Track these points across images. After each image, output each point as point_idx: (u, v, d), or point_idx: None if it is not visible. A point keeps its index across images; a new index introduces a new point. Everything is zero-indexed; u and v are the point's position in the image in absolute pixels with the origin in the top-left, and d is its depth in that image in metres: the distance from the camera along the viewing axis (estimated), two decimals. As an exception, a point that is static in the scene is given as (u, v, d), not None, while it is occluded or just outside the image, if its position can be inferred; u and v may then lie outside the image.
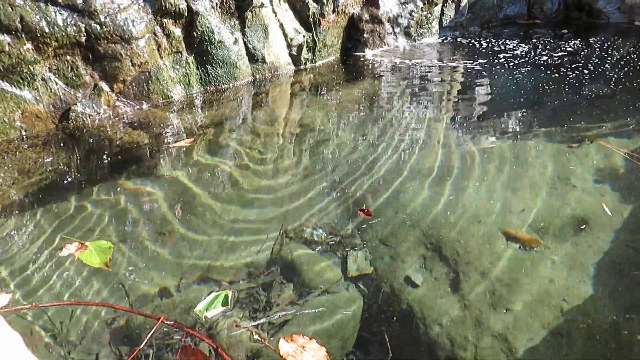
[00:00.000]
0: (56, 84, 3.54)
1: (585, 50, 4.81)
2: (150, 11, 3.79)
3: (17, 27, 3.24)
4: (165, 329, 1.86)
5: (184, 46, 4.06)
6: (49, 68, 3.50)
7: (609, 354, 1.65)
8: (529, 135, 3.14)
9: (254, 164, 3.05)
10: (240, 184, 2.83)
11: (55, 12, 3.38)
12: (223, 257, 2.25)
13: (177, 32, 3.99)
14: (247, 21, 4.30)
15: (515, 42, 5.26)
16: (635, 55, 4.55)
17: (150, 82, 3.90)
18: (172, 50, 4.01)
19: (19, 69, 3.34)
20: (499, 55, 4.86)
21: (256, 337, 1.78)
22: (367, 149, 3.12)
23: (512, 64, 4.59)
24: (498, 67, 4.54)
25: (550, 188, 2.52)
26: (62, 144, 3.38)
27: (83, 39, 3.50)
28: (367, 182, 2.75)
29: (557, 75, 4.20)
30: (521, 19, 6.05)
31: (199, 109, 3.93)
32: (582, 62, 4.47)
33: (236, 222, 2.49)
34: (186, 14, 3.95)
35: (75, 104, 3.61)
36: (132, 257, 2.27)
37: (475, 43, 5.34)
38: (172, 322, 1.83)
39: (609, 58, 4.54)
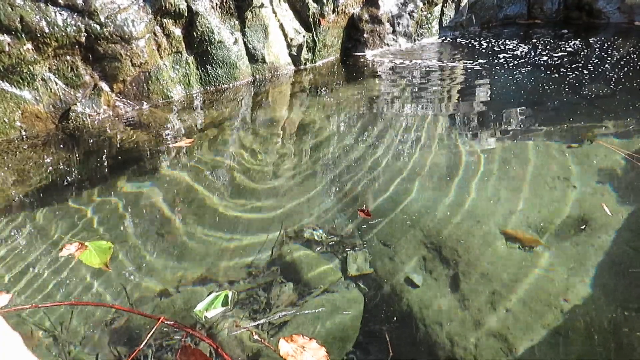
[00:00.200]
0: (56, 84, 3.54)
1: (585, 51, 4.81)
2: (150, 11, 3.79)
3: (17, 27, 3.25)
4: (165, 329, 1.86)
5: (184, 46, 4.06)
6: (49, 68, 3.50)
7: (609, 353, 1.65)
8: (528, 135, 3.14)
9: (254, 164, 3.05)
10: (240, 184, 2.83)
11: (55, 12, 3.38)
12: (223, 257, 2.25)
13: (177, 32, 3.99)
14: (247, 21, 4.30)
15: (515, 42, 5.26)
16: (635, 55, 4.55)
17: (150, 82, 3.90)
18: (172, 51, 4.01)
19: (19, 69, 3.34)
20: (498, 56, 4.86)
21: (256, 337, 1.78)
22: (367, 149, 3.12)
23: (512, 64, 4.59)
24: (498, 67, 4.54)
25: (550, 188, 2.52)
26: (62, 144, 3.38)
27: (83, 39, 3.50)
28: (367, 182, 2.75)
29: (557, 75, 4.20)
30: (521, 19, 6.05)
31: (199, 109, 3.93)
32: (582, 62, 4.47)
33: (236, 222, 2.49)
34: (186, 14, 3.95)
35: (75, 104, 3.62)
36: (132, 257, 2.27)
37: (475, 43, 5.34)
38: (172, 322, 1.83)
39: (609, 58, 4.54)
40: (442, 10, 5.55)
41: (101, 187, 2.85)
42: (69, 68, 3.56)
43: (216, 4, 4.13)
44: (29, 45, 3.33)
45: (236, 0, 4.21)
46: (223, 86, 4.30)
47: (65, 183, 2.93)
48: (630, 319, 1.75)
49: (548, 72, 4.28)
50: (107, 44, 3.59)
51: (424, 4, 5.33)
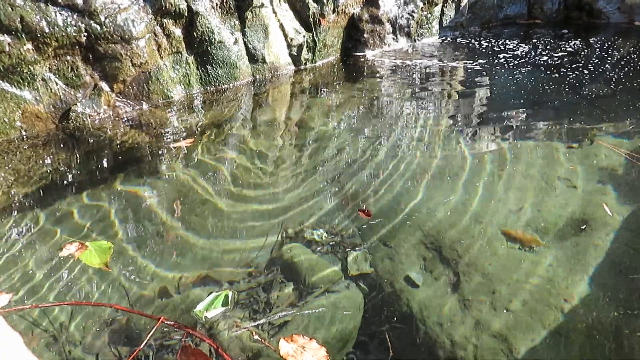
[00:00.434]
0: (56, 84, 3.54)
1: (586, 51, 4.81)
2: (151, 11, 3.79)
3: (17, 27, 3.25)
4: (165, 329, 1.86)
5: (184, 46, 4.06)
6: (49, 68, 3.50)
7: (609, 353, 1.65)
8: (529, 135, 3.14)
9: (254, 164, 3.05)
10: (241, 184, 2.83)
11: (55, 13, 3.38)
12: (223, 257, 2.25)
13: (177, 32, 3.99)
14: (247, 21, 4.30)
15: (516, 42, 5.26)
16: (635, 55, 4.55)
17: (150, 82, 3.90)
18: (172, 51, 4.01)
19: (19, 69, 3.34)
20: (499, 56, 4.86)
21: (256, 337, 1.78)
22: (367, 149, 3.13)
23: (512, 64, 4.59)
24: (498, 67, 4.54)
25: (551, 188, 2.52)
26: (62, 144, 3.38)
27: (83, 39, 3.50)
28: (367, 182, 2.75)
29: (557, 75, 4.20)
30: (521, 19, 6.05)
31: (199, 109, 3.93)
32: (582, 62, 4.47)
33: (236, 222, 2.49)
34: (186, 14, 3.95)
35: (76, 104, 3.62)
36: (132, 257, 2.27)
37: (476, 43, 5.34)
38: (173, 322, 1.83)
39: (609, 58, 4.53)
40: (442, 10, 5.55)
41: (101, 187, 2.85)
42: (69, 68, 3.56)
43: (216, 4, 4.13)
44: (29, 45, 3.33)
45: (236, 0, 4.21)
46: (223, 86, 4.30)
47: (66, 183, 2.93)
48: (631, 319, 1.75)
49: (548, 72, 4.28)
50: (107, 44, 3.59)
51: (424, 4, 5.33)
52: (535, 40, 5.27)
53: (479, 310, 1.85)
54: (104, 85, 3.73)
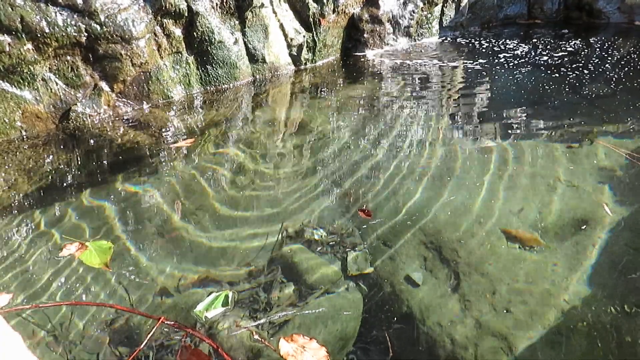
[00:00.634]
0: (56, 84, 3.55)
1: (586, 50, 4.81)
2: (151, 11, 3.79)
3: (17, 27, 3.25)
4: (165, 329, 1.86)
5: (184, 46, 4.06)
6: (49, 68, 3.50)
7: (609, 353, 1.65)
8: (529, 135, 3.14)
9: (254, 164, 3.05)
10: (241, 184, 2.84)
11: (55, 13, 3.38)
12: (223, 257, 2.25)
13: (177, 32, 3.99)
14: (247, 21, 4.30)
15: (516, 42, 5.26)
16: (635, 55, 4.55)
17: (150, 82, 3.90)
18: (172, 51, 4.01)
19: (19, 69, 3.34)
20: (499, 55, 4.86)
21: (256, 337, 1.78)
22: (368, 149, 3.13)
23: (512, 64, 4.59)
24: (498, 67, 4.54)
25: (551, 188, 2.52)
26: (62, 144, 3.38)
27: (83, 39, 3.50)
28: (367, 182, 2.75)
29: (557, 75, 4.20)
30: (521, 19, 6.05)
31: (199, 109, 3.93)
32: (583, 62, 4.47)
33: (236, 222, 2.49)
34: (186, 14, 3.96)
35: (76, 104, 3.62)
36: (132, 257, 2.27)
37: (476, 43, 5.34)
38: (173, 322, 1.83)
39: (609, 58, 4.53)
40: (442, 10, 5.55)
41: (101, 187, 2.85)
42: (69, 68, 3.56)
43: (216, 4, 4.13)
44: (29, 46, 3.33)
45: (236, 0, 4.21)
46: (223, 86, 4.30)
47: (66, 183, 2.93)
48: (631, 319, 1.75)
49: (548, 72, 4.28)
50: (107, 44, 3.59)
51: (424, 4, 5.32)
52: (535, 40, 5.27)
53: (479, 310, 1.85)
54: (104, 85, 3.73)
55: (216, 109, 3.92)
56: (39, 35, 3.32)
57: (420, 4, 5.30)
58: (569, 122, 3.27)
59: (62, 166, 3.11)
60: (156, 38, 3.90)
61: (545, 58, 4.66)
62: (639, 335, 1.68)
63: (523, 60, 4.67)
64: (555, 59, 4.62)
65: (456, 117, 3.57)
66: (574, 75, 4.15)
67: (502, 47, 5.13)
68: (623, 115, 3.29)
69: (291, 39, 4.65)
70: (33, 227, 2.51)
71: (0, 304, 1.90)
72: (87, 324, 1.93)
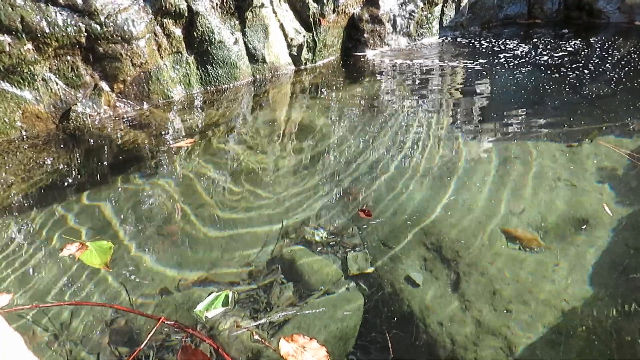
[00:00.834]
0: (56, 84, 3.55)
1: (586, 50, 4.81)
2: (151, 11, 3.79)
3: (17, 27, 3.25)
4: (165, 329, 1.86)
5: (184, 46, 4.06)
6: (50, 68, 3.50)
7: (609, 353, 1.65)
8: (529, 135, 3.14)
9: (255, 164, 3.05)
10: (241, 184, 2.84)
11: (55, 13, 3.38)
12: (223, 257, 2.25)
13: (178, 32, 3.99)
14: (247, 21, 4.30)
15: (516, 42, 5.26)
16: (635, 55, 4.54)
17: (150, 82, 3.90)
18: (172, 51, 4.01)
19: (19, 69, 3.34)
20: (499, 55, 4.86)
21: (256, 337, 1.78)
22: (368, 149, 3.13)
23: (512, 64, 4.59)
24: (498, 67, 4.54)
25: (551, 188, 2.52)
26: (62, 144, 3.39)
27: (83, 39, 3.50)
28: (367, 182, 2.75)
29: (557, 75, 4.20)
30: (521, 19, 6.05)
31: (200, 109, 3.93)
32: (583, 62, 4.47)
33: (236, 222, 2.49)
34: (186, 14, 3.96)
35: (76, 104, 3.62)
36: (132, 258, 2.27)
37: (476, 43, 5.34)
38: (173, 323, 1.83)
39: (610, 58, 4.53)
40: (442, 10, 5.55)
41: (102, 187, 2.85)
42: (70, 68, 3.56)
43: (216, 4, 4.13)
44: (29, 46, 3.33)
45: (236, 0, 4.21)
46: (223, 86, 4.30)
47: (66, 183, 2.93)
48: (631, 319, 1.75)
49: (548, 72, 4.28)
50: (107, 44, 3.59)
51: (425, 3, 5.32)
52: (536, 40, 5.27)
53: (480, 310, 1.85)
54: (104, 85, 3.73)
55: (216, 109, 3.92)
56: (39, 35, 3.32)
57: (420, 4, 5.30)
58: (569, 122, 3.27)
59: (62, 166, 3.11)
60: (156, 38, 3.90)
61: (545, 58, 4.66)
62: (639, 336, 1.68)
63: (523, 60, 4.67)
64: (556, 58, 4.62)
65: (456, 117, 3.57)
66: (574, 75, 4.15)
67: (502, 47, 5.13)
68: (623, 115, 3.29)
69: (291, 39, 4.65)
70: (33, 227, 2.51)
71: (0, 304, 1.90)
72: (87, 324, 1.93)
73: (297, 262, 2.15)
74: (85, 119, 3.61)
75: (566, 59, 4.60)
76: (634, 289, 1.87)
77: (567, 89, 3.87)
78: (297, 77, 4.64)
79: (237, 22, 4.27)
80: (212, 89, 4.26)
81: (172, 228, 2.47)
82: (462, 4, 5.62)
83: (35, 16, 3.29)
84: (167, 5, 3.82)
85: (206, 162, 3.09)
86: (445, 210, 2.42)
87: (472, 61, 4.74)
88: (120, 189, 2.83)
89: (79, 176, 3.01)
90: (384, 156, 3.02)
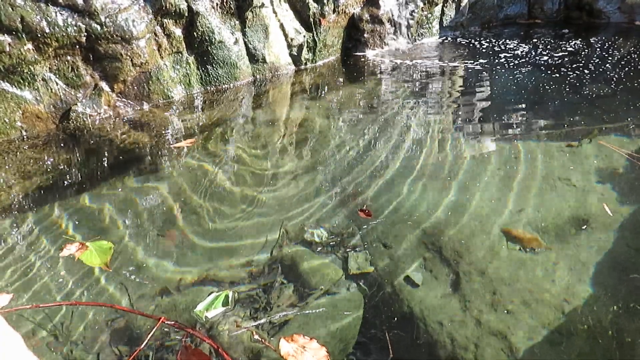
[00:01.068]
0: (57, 84, 3.55)
1: (586, 50, 4.81)
2: (151, 11, 3.79)
3: (17, 27, 3.25)
4: (165, 329, 1.86)
5: (184, 46, 4.06)
6: (50, 68, 3.50)
7: (609, 353, 1.65)
8: (529, 135, 3.14)
9: (255, 164, 3.05)
10: (241, 184, 2.84)
11: (55, 13, 3.38)
12: (224, 258, 2.25)
13: (178, 32, 3.99)
14: (247, 21, 4.30)
15: (516, 42, 5.26)
16: (635, 55, 4.54)
17: (150, 82, 3.90)
18: (172, 51, 4.01)
19: (19, 69, 3.34)
20: (499, 55, 4.85)
21: (257, 337, 1.78)
22: (368, 149, 3.13)
23: (512, 63, 4.58)
24: (498, 67, 4.53)
25: (551, 188, 2.52)
26: (62, 144, 3.38)
27: (83, 39, 3.50)
28: (367, 182, 2.75)
29: (557, 75, 4.19)
30: (521, 19, 6.05)
31: (200, 109, 3.93)
32: (583, 62, 4.47)
33: (237, 222, 2.49)
34: (187, 14, 3.95)
35: (76, 104, 3.62)
36: (132, 258, 2.27)
37: (476, 43, 5.34)
38: (173, 323, 1.83)
39: (610, 58, 4.53)
40: (442, 10, 5.55)
41: (102, 187, 2.85)
42: (70, 68, 3.56)
43: (217, 4, 4.13)
44: (29, 46, 3.33)
45: (237, 0, 4.21)
46: (223, 86, 4.30)
47: (66, 183, 2.93)
48: (631, 319, 1.75)
49: (549, 72, 4.28)
50: (107, 44, 3.59)
51: (425, 3, 5.32)
52: (536, 40, 5.27)
53: (480, 310, 1.85)
54: (104, 85, 3.73)
55: (216, 109, 3.92)
56: (39, 35, 3.32)
57: (421, 4, 5.30)
58: (569, 122, 3.26)
59: (63, 166, 3.11)
60: (156, 38, 3.90)
61: (545, 58, 4.66)
62: (639, 336, 1.68)
63: (523, 60, 4.67)
64: (556, 58, 4.62)
65: (456, 117, 3.57)
66: (574, 75, 4.15)
67: (503, 47, 5.13)
68: (623, 115, 3.29)
69: (291, 39, 4.65)
70: (33, 227, 2.51)
71: (0, 304, 1.90)
72: (87, 324, 1.93)
73: (298, 262, 2.15)
74: (85, 119, 3.61)
75: (566, 59, 4.60)
76: (634, 289, 1.87)
77: (567, 89, 3.87)
78: (297, 77, 4.64)
79: (237, 22, 4.27)
80: (212, 89, 4.26)
81: (172, 228, 2.46)
82: (462, 4, 5.62)
83: (35, 16, 3.29)
84: (167, 5, 3.82)
85: (206, 162, 3.09)
86: (446, 210, 2.42)
87: (472, 61, 4.74)
88: (120, 189, 2.83)
89: (79, 176, 3.01)
90: (384, 156, 3.01)
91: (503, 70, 4.42)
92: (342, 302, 1.94)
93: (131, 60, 3.71)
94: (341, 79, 4.56)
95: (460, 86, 4.21)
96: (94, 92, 3.69)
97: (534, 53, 4.84)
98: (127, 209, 2.63)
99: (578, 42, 5.09)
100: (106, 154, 3.26)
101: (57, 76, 3.55)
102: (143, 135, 3.47)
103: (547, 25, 5.85)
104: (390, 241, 2.26)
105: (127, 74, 3.75)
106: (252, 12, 4.29)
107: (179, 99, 4.07)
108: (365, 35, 5.14)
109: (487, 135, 3.19)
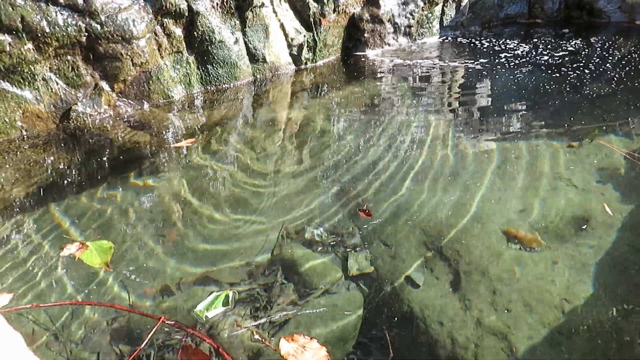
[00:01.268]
0: (57, 83, 3.55)
1: (586, 50, 4.81)
2: (151, 11, 3.79)
3: (17, 27, 3.25)
4: (166, 329, 1.86)
5: (184, 46, 4.06)
6: (50, 68, 3.50)
7: (609, 353, 1.65)
8: (529, 135, 3.14)
9: (255, 164, 3.05)
10: (241, 184, 2.84)
11: (56, 12, 3.38)
12: (224, 257, 2.25)
13: (178, 31, 3.99)
14: (247, 21, 4.30)
15: (516, 41, 5.26)
16: (636, 55, 4.54)
17: (151, 81, 3.90)
18: (172, 50, 4.01)
19: (19, 68, 3.34)
20: (499, 55, 4.85)
21: (257, 336, 1.78)
22: (368, 148, 3.12)
23: (513, 63, 4.58)
24: (499, 66, 4.53)
25: (551, 188, 2.52)
26: (62, 144, 3.39)
27: (84, 39, 3.50)
28: (367, 182, 2.75)
29: (558, 74, 4.19)
30: (522, 19, 6.05)
31: (200, 109, 3.93)
32: (583, 61, 4.46)
33: (237, 222, 2.49)
34: (187, 14, 3.95)
35: (76, 104, 3.62)
36: (133, 257, 2.27)
37: (476, 42, 5.34)
38: (173, 322, 1.83)
39: (610, 57, 4.53)
40: (442, 10, 5.55)
41: (102, 187, 2.85)
42: (70, 68, 3.56)
43: (217, 4, 4.13)
44: (29, 45, 3.33)
45: (237, 0, 4.21)
46: (224, 86, 4.30)
47: (66, 183, 2.93)
48: (632, 318, 1.75)
49: (549, 72, 4.28)
50: (107, 43, 3.59)
51: (425, 3, 5.32)
52: (536, 40, 5.26)
53: (480, 310, 1.85)
54: (104, 85, 3.73)
55: (217, 108, 3.92)
56: (39, 34, 3.32)
57: (421, 4, 5.30)
58: (569, 122, 3.26)
59: (63, 166, 3.11)
60: (157, 38, 3.90)
61: (545, 57, 4.66)
62: (639, 336, 1.68)
63: (524, 59, 4.67)
64: (556, 58, 4.62)
65: (457, 117, 3.57)
66: (575, 74, 4.15)
67: (503, 46, 5.13)
68: (623, 115, 3.29)
69: (292, 39, 4.65)
70: (33, 227, 2.51)
71: (0, 304, 1.91)
72: (87, 324, 1.93)
73: (298, 262, 2.15)
74: (85, 119, 3.61)
75: (567, 58, 4.59)
76: (634, 289, 1.87)
77: (568, 89, 3.87)
78: (297, 76, 4.64)
79: (237, 21, 4.27)
80: (212, 88, 4.26)
81: (172, 228, 2.47)
82: (463, 4, 5.61)
83: (35, 16, 3.29)
84: (168, 5, 3.82)
85: (206, 161, 3.09)
86: (446, 209, 2.42)
87: (472, 61, 4.74)
88: (120, 189, 2.83)
89: (79, 176, 3.01)
90: (384, 156, 3.01)
91: (503, 70, 4.42)
92: (342, 302, 1.94)
93: (131, 59, 3.71)
94: (341, 79, 4.56)
95: (461, 86, 4.21)
96: (94, 91, 3.69)
97: (534, 53, 4.84)
98: (127, 209, 2.63)
99: (578, 41, 5.09)
100: (106, 154, 3.26)
101: (58, 76, 3.55)
102: (143, 135, 3.47)
103: (547, 25, 5.85)
104: (390, 241, 2.26)
105: (128, 73, 3.75)
106: (252, 11, 4.29)
107: (179, 98, 4.07)
108: (366, 35, 5.13)
109: (488, 135, 3.19)
